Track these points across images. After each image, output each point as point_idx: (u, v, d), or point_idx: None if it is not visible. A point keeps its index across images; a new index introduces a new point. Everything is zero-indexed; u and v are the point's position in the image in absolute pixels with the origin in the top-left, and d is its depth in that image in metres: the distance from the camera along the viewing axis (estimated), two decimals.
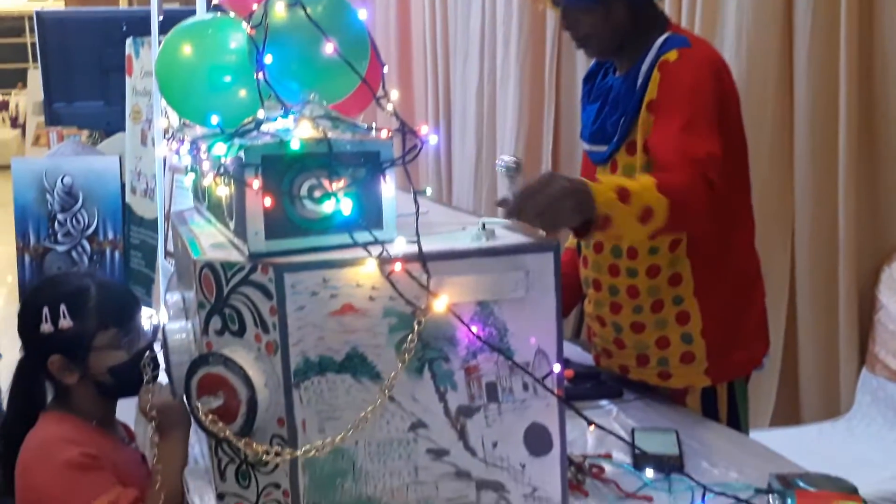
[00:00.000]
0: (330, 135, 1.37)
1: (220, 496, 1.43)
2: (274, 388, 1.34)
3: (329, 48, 1.40)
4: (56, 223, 5.19)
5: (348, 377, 1.35)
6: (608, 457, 1.64)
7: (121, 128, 5.11)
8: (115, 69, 5.00)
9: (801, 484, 1.42)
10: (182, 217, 1.78)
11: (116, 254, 5.17)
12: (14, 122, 16.61)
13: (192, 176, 1.76)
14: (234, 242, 1.45)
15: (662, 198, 1.55)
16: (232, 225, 1.46)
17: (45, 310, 1.63)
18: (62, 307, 1.62)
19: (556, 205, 1.45)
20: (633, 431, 1.70)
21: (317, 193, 1.35)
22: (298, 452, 1.34)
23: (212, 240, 1.52)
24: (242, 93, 1.54)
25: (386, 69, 1.56)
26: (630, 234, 1.66)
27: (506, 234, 1.47)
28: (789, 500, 1.40)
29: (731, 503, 1.43)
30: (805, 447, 2.46)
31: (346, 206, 1.35)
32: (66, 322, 1.62)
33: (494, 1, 3.87)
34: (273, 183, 1.34)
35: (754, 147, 1.92)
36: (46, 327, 1.62)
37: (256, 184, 1.32)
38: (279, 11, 1.43)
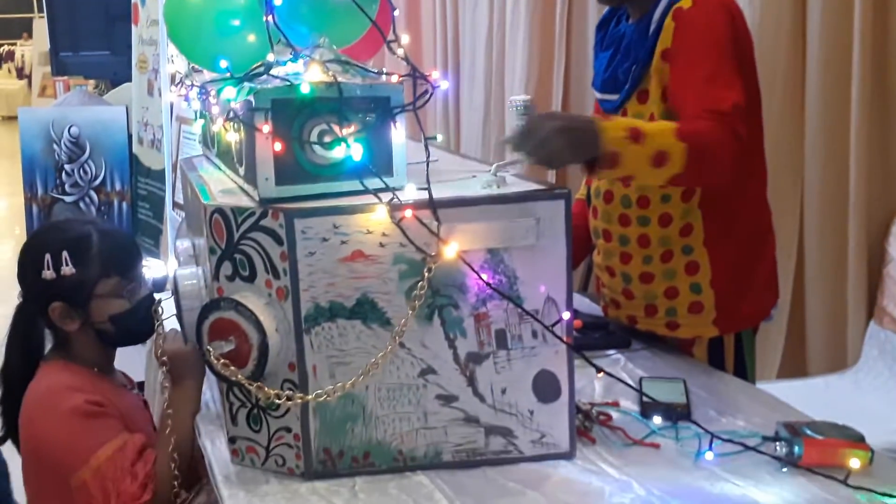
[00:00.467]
0: (340, 79, 1.36)
1: (231, 440, 1.45)
2: (285, 334, 1.35)
3: None
4: (63, 174, 5.19)
5: (358, 323, 1.36)
6: (615, 405, 1.64)
7: (127, 78, 5.08)
8: (121, 18, 4.96)
9: (808, 432, 1.43)
10: (191, 164, 1.77)
11: (124, 205, 5.17)
12: (20, 73, 16.53)
13: (200, 122, 1.75)
14: (244, 188, 1.45)
15: (679, 143, 1.54)
16: (242, 171, 1.45)
17: (47, 256, 1.61)
18: (64, 254, 1.61)
19: (549, 142, 1.45)
20: (640, 380, 1.71)
21: (327, 139, 1.35)
22: (309, 397, 1.35)
23: (221, 186, 1.52)
24: (251, 37, 1.52)
25: (397, 13, 1.54)
26: (642, 177, 1.65)
27: (516, 182, 1.47)
28: (796, 448, 1.41)
29: (739, 450, 1.44)
30: (811, 399, 2.46)
31: (357, 152, 1.34)
32: (68, 269, 1.61)
33: None
34: (283, 128, 1.33)
35: (765, 96, 1.90)
36: (48, 274, 1.61)
37: (266, 128, 1.31)
38: None
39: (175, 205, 4.08)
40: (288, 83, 1.34)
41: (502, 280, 1.39)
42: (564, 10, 3.55)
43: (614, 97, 1.85)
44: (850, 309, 2.63)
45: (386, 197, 1.34)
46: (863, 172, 2.55)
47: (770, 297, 1.98)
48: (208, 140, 1.78)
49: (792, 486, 1.36)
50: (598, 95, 1.95)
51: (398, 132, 1.40)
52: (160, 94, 4.31)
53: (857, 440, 1.43)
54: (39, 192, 5.25)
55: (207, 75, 1.65)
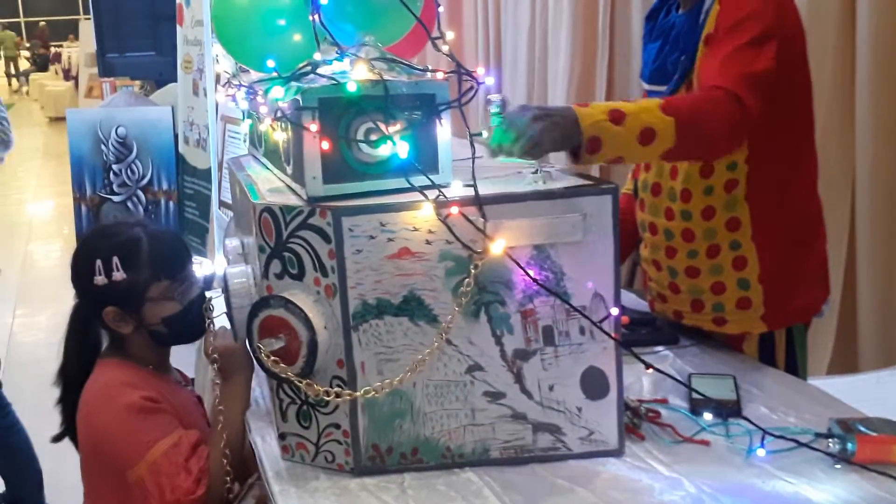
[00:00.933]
0: (386, 77, 1.36)
1: (281, 436, 1.46)
2: (333, 331, 1.36)
3: None
4: (111, 174, 5.27)
5: (406, 320, 1.37)
6: (664, 402, 1.63)
7: (172, 78, 5.14)
8: (166, 19, 5.02)
9: (862, 428, 1.41)
10: (239, 163, 1.79)
11: (171, 204, 5.24)
12: (67, 75, 16.83)
13: (248, 122, 1.77)
14: (291, 187, 1.46)
15: (667, 118, 1.52)
16: (289, 170, 1.46)
17: (98, 262, 1.62)
18: (115, 259, 1.62)
19: (527, 131, 1.43)
20: (689, 377, 1.69)
21: (373, 137, 1.35)
22: (358, 393, 1.36)
23: (269, 185, 1.53)
24: (298, 36, 1.53)
25: (441, 9, 1.54)
26: (632, 156, 1.64)
27: (562, 177, 1.46)
28: (849, 445, 1.39)
29: (791, 447, 1.42)
30: (863, 395, 2.42)
31: (403, 150, 1.34)
32: (119, 274, 1.62)
33: None
34: (330, 126, 1.34)
35: (815, 84, 1.87)
36: (100, 279, 1.62)
37: (314, 127, 1.32)
38: None
39: (221, 203, 4.12)
40: (335, 82, 1.35)
41: (549, 276, 1.39)
42: (608, 2, 3.52)
43: (663, 88, 1.83)
44: None
45: (432, 194, 1.34)
46: None
47: (821, 291, 1.94)
48: (256, 139, 1.79)
49: (845, 483, 1.35)
50: (646, 86, 1.93)
51: (443, 129, 1.40)
52: (205, 94, 4.36)
53: None
54: (88, 192, 5.33)
55: (254, 75, 1.66)
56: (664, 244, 1.89)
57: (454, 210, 1.33)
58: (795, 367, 1.90)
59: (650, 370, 1.48)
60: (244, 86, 1.66)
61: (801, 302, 1.89)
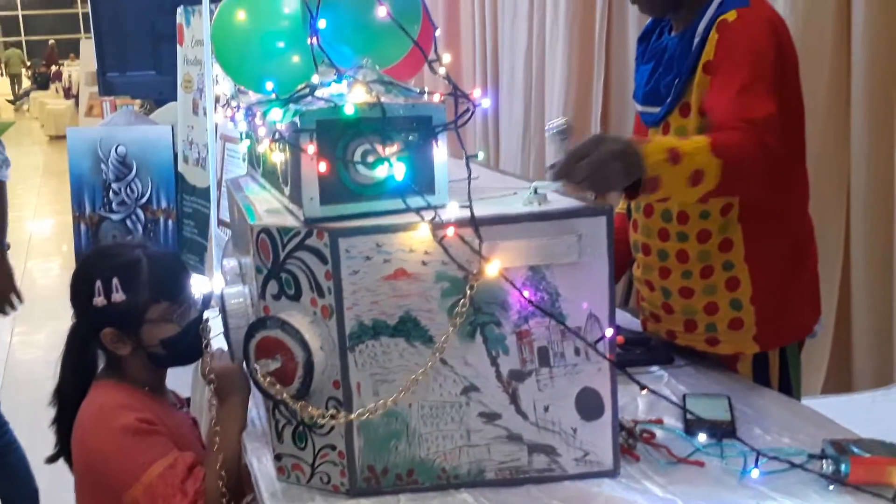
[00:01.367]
0: (383, 99, 1.37)
1: (277, 457, 1.47)
2: (329, 352, 1.37)
3: (382, 12, 1.41)
4: (111, 192, 5.29)
5: (402, 341, 1.37)
6: (659, 422, 1.64)
7: (172, 97, 5.18)
8: (167, 38, 5.07)
9: (856, 450, 1.41)
10: (237, 184, 1.80)
11: (170, 222, 5.25)
12: (67, 93, 16.89)
13: (246, 143, 1.78)
14: (289, 208, 1.47)
15: (715, 159, 1.53)
16: (287, 191, 1.47)
17: (98, 283, 1.63)
18: (115, 281, 1.62)
19: (605, 167, 1.42)
20: (684, 397, 1.70)
21: (370, 158, 1.37)
22: (353, 415, 1.37)
23: (267, 205, 1.54)
24: (296, 58, 1.55)
25: (438, 32, 1.56)
26: (679, 196, 1.65)
27: (558, 199, 1.47)
28: (843, 466, 1.39)
29: (785, 468, 1.43)
30: (858, 415, 2.43)
31: (399, 171, 1.35)
32: (118, 296, 1.62)
33: None
34: (327, 148, 1.35)
35: (810, 104, 1.89)
36: (99, 300, 1.62)
37: (311, 149, 1.34)
38: None
39: (220, 222, 4.14)
40: (332, 104, 1.36)
41: (544, 297, 1.40)
42: (604, 23, 3.55)
43: (656, 110, 1.85)
44: None
45: (428, 215, 1.35)
46: None
47: (812, 312, 1.95)
48: (254, 160, 1.81)
49: None
50: (640, 108, 1.95)
51: (440, 150, 1.41)
52: (205, 113, 4.39)
53: None
54: (87, 210, 5.35)
55: (253, 97, 1.68)
56: (658, 264, 1.90)
57: (450, 231, 1.34)
58: (790, 387, 1.90)
59: (645, 391, 1.49)
60: (242, 107, 1.68)
61: (793, 322, 1.91)
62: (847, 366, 2.73)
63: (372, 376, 1.38)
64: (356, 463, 1.40)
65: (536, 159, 3.91)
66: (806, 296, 1.93)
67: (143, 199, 5.28)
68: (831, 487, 1.39)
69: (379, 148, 1.36)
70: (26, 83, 23.33)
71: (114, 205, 5.32)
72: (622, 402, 1.53)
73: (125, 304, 1.63)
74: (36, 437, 1.81)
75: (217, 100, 1.92)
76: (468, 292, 1.36)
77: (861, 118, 2.60)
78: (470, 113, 1.42)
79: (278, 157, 1.51)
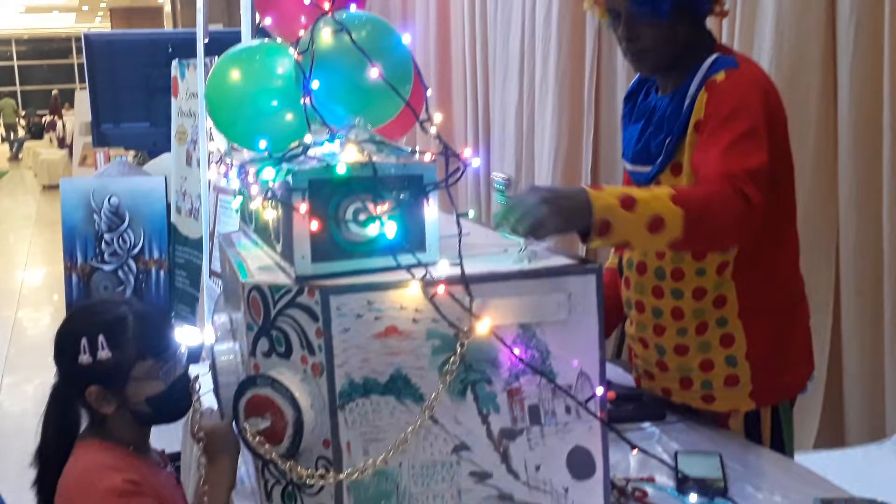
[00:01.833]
0: (375, 158, 1.39)
1: None
2: (319, 410, 1.36)
3: (374, 73, 1.43)
4: (103, 243, 5.28)
5: (392, 399, 1.37)
6: (651, 480, 1.63)
7: (166, 148, 5.20)
8: (161, 91, 5.10)
9: None
10: (230, 240, 1.81)
11: (162, 273, 5.24)
12: (61, 143, 16.96)
13: (239, 199, 1.79)
14: (280, 265, 1.48)
15: (676, 208, 1.54)
16: (279, 248, 1.48)
17: (84, 340, 1.61)
18: (101, 338, 1.61)
19: (533, 212, 1.46)
20: (676, 455, 1.69)
21: (362, 217, 1.38)
22: (342, 475, 1.35)
23: (259, 262, 1.55)
24: (289, 116, 1.57)
25: (429, 92, 1.58)
26: (640, 243, 1.66)
27: (548, 256, 1.48)
28: None
29: None
30: (850, 470, 2.42)
31: (391, 229, 1.36)
32: (104, 353, 1.60)
33: (534, 19, 3.89)
34: (319, 207, 1.36)
35: (797, 161, 1.91)
36: (85, 358, 1.61)
37: (303, 207, 1.35)
38: (325, 37, 1.46)
39: (212, 273, 4.14)
40: (325, 163, 1.38)
41: (535, 355, 1.40)
42: (593, 81, 3.61)
43: (647, 169, 1.86)
44: (888, 377, 2.59)
45: (419, 273, 1.36)
46: None
47: (806, 367, 1.96)
48: (246, 216, 1.82)
49: None
50: (630, 167, 1.97)
51: (431, 209, 1.42)
52: (198, 165, 4.41)
53: None
54: (79, 261, 5.34)
55: (246, 154, 1.69)
56: (652, 322, 1.91)
57: (441, 289, 1.34)
58: (782, 444, 1.90)
59: (636, 451, 1.48)
60: (235, 165, 1.69)
61: (788, 378, 1.91)
62: (839, 420, 2.73)
63: (362, 435, 1.37)
64: None
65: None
66: (800, 351, 1.93)
67: (136, 250, 5.28)
68: None
69: (370, 206, 1.37)
70: (21, 132, 23.43)
71: (106, 255, 5.31)
72: (614, 460, 1.52)
73: (111, 362, 1.62)
74: (24, 494, 1.79)
75: (210, 155, 1.94)
76: (459, 350, 1.36)
77: (848, 175, 2.63)
78: (460, 172, 1.43)
79: (270, 215, 1.52)
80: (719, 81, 1.74)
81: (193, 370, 1.73)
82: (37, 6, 23.45)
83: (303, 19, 1.54)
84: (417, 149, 1.48)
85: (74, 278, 5.32)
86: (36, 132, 21.50)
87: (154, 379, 1.64)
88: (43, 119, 21.59)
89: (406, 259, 1.38)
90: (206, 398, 1.65)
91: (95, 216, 5.24)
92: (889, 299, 2.56)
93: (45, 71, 28.86)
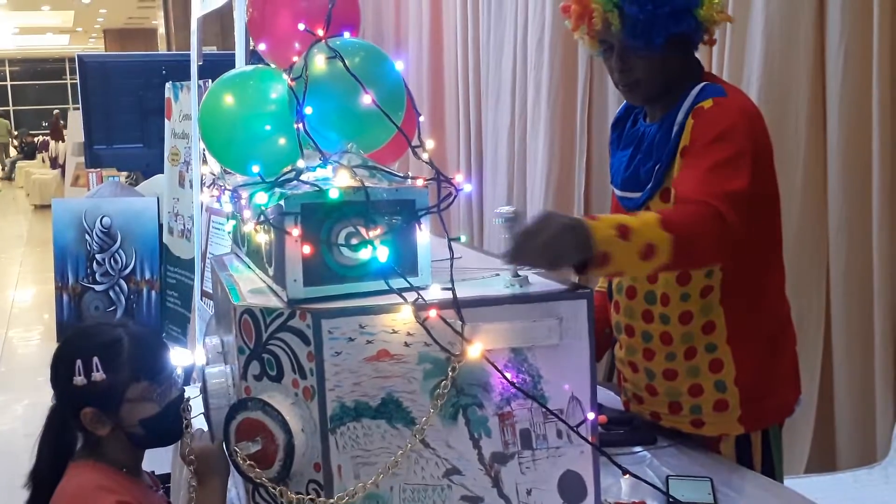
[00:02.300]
0: (367, 184, 1.40)
1: None
2: (311, 433, 1.36)
3: (367, 99, 1.44)
4: (94, 263, 5.28)
5: (384, 423, 1.37)
6: None
7: (159, 169, 5.21)
8: (155, 112, 5.13)
9: None
10: (221, 262, 1.81)
11: (153, 293, 5.24)
12: (54, 163, 16.94)
13: (232, 222, 1.80)
14: (272, 288, 1.48)
15: (665, 234, 1.54)
16: (271, 271, 1.49)
17: (79, 362, 1.61)
18: (95, 360, 1.62)
19: (556, 242, 1.44)
20: (667, 479, 1.70)
21: (354, 241, 1.38)
22: (333, 500, 1.35)
23: (251, 285, 1.55)
24: (282, 141, 1.58)
25: (422, 119, 1.59)
26: (631, 271, 1.67)
27: (539, 281, 1.49)
28: None
29: None
30: (841, 494, 2.43)
31: (383, 254, 1.37)
32: (99, 375, 1.61)
33: (526, 45, 3.92)
34: (312, 231, 1.37)
35: (787, 186, 1.93)
36: (79, 380, 1.61)
37: (296, 232, 1.35)
38: (319, 63, 1.48)
39: (203, 294, 4.13)
40: (317, 188, 1.39)
41: (526, 379, 1.41)
42: (585, 106, 3.63)
43: (636, 195, 1.88)
44: (878, 402, 2.60)
45: (411, 297, 1.36)
46: (886, 262, 2.55)
47: (793, 391, 1.97)
48: (239, 239, 1.82)
49: None
50: (619, 193, 1.98)
51: (423, 233, 1.43)
52: (191, 186, 4.42)
53: None
54: (70, 280, 5.33)
55: (239, 178, 1.70)
56: (642, 346, 1.92)
57: (432, 313, 1.35)
58: (772, 468, 1.90)
59: (627, 476, 1.49)
60: (228, 189, 1.70)
61: (776, 403, 1.92)
62: (830, 444, 2.74)
63: (353, 459, 1.37)
64: None
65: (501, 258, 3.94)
66: (787, 376, 1.94)
67: (127, 270, 5.28)
68: None
69: (363, 231, 1.38)
70: (13, 153, 23.41)
71: (97, 275, 5.31)
72: (605, 484, 1.52)
73: (105, 383, 1.62)
74: None
75: (204, 178, 1.95)
76: (450, 374, 1.37)
77: (838, 200, 2.65)
78: (453, 197, 1.44)
79: (263, 238, 1.53)
80: (706, 108, 1.76)
81: (186, 392, 1.73)
82: (31, 27, 23.51)
83: (297, 45, 1.56)
84: (410, 174, 1.49)
85: (65, 298, 5.31)
86: (28, 152, 21.47)
87: (148, 401, 1.64)
88: (36, 139, 21.58)
89: (398, 283, 1.38)
90: (197, 420, 1.65)
91: (87, 236, 5.25)
92: (879, 324, 2.57)
93: (38, 91, 28.90)
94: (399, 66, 1.53)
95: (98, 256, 5.29)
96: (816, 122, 2.69)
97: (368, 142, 1.52)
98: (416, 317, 1.35)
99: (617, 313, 1.98)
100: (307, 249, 1.36)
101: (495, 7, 4.19)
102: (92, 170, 7.05)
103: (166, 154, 4.96)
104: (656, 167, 1.82)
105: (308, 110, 1.45)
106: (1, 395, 5.62)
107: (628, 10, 1.76)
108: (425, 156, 1.46)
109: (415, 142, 1.50)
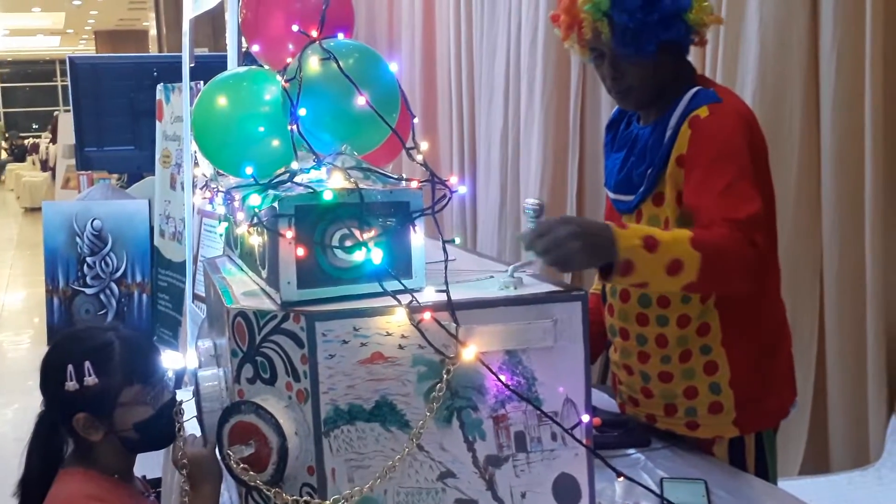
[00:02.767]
0: (361, 185, 1.39)
1: None
2: (304, 437, 1.35)
3: (361, 101, 1.43)
4: (85, 266, 5.26)
5: (377, 426, 1.36)
6: None
7: (150, 172, 5.19)
8: (146, 114, 5.10)
9: None
10: (214, 265, 1.80)
11: (144, 296, 5.22)
12: (44, 166, 16.87)
13: (224, 224, 1.79)
14: (266, 291, 1.47)
15: (695, 252, 1.56)
16: (264, 273, 1.48)
17: (70, 367, 1.60)
18: (87, 364, 1.60)
19: (562, 246, 1.49)
20: (661, 481, 1.69)
21: (348, 243, 1.38)
22: (327, 503, 1.35)
23: (244, 288, 1.54)
24: (276, 143, 1.57)
25: (416, 120, 1.59)
26: (657, 284, 1.67)
27: (533, 283, 1.48)
28: None
29: None
30: (834, 496, 2.43)
31: (377, 256, 1.37)
32: (91, 379, 1.59)
33: (519, 46, 3.92)
34: (305, 233, 1.36)
35: (781, 187, 1.93)
36: (71, 385, 1.59)
37: (290, 234, 1.35)
38: (313, 65, 1.47)
39: (195, 297, 4.12)
40: (311, 190, 1.38)
41: (521, 381, 1.40)
42: (578, 108, 3.63)
43: (629, 198, 1.88)
44: (871, 403, 2.60)
45: (405, 299, 1.36)
46: (879, 264, 2.56)
47: (788, 394, 1.97)
48: (232, 241, 1.81)
49: None
50: (612, 195, 1.98)
51: (417, 236, 1.43)
52: (182, 188, 4.40)
53: None
54: (61, 283, 5.31)
55: (232, 180, 1.69)
56: (636, 349, 1.91)
57: (427, 315, 1.34)
58: (766, 470, 1.90)
59: (621, 478, 1.48)
60: (221, 191, 1.69)
61: (771, 405, 1.91)
62: (824, 446, 2.74)
63: (347, 462, 1.36)
64: None
65: (513, 240, 3.95)
66: (783, 378, 1.94)
67: (118, 273, 5.26)
68: None
69: (357, 233, 1.37)
70: (3, 155, 23.34)
71: (88, 279, 5.28)
72: (599, 487, 1.52)
73: (98, 388, 1.60)
74: None
75: (196, 180, 1.94)
76: (445, 376, 1.36)
77: (831, 203, 2.66)
78: (447, 199, 1.44)
79: (256, 241, 1.52)
80: (703, 118, 1.75)
81: (178, 396, 1.72)
82: (21, 29, 23.43)
83: (290, 46, 1.55)
84: (404, 176, 1.49)
85: (56, 301, 5.29)
86: (18, 154, 21.40)
87: (142, 404, 1.63)
88: (26, 142, 21.50)
89: (392, 285, 1.38)
90: (189, 424, 1.64)
91: (78, 239, 5.22)
92: (872, 325, 2.58)
93: (29, 93, 28.80)
94: (393, 67, 1.53)
95: (89, 259, 5.27)
96: (810, 123, 2.70)
97: (362, 143, 1.51)
98: (411, 319, 1.35)
99: (611, 316, 1.98)
100: (301, 251, 1.35)
101: (488, 9, 4.19)
102: (83, 172, 7.02)
103: (157, 156, 4.95)
104: (648, 171, 1.82)
105: (302, 112, 1.44)
106: None
107: (618, 18, 1.76)
108: (420, 157, 1.45)
109: (409, 143, 1.50)
